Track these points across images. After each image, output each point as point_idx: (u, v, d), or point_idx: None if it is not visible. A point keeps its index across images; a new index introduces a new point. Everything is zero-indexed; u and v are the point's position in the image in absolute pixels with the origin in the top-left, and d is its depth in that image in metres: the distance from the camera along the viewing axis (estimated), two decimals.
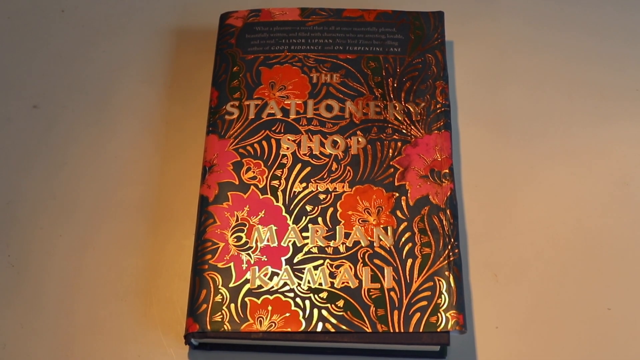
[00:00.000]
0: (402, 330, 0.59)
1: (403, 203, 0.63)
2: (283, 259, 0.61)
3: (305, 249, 0.62)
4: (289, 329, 0.59)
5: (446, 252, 0.61)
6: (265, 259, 0.61)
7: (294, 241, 0.62)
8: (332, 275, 0.61)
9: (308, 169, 0.65)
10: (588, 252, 0.65)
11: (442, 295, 0.60)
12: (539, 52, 0.75)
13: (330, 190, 0.64)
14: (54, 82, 0.74)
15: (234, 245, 0.62)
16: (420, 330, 0.59)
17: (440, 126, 0.67)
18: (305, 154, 0.66)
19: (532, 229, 0.66)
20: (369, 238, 0.62)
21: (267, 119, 0.67)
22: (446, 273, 0.61)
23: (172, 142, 0.70)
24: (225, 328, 0.59)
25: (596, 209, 0.67)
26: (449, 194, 0.64)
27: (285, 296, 0.60)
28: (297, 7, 0.73)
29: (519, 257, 0.65)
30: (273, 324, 0.59)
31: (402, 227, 0.62)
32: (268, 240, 0.62)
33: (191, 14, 0.77)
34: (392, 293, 0.60)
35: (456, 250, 0.61)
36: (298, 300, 0.60)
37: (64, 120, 0.72)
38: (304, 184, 0.64)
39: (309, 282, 0.61)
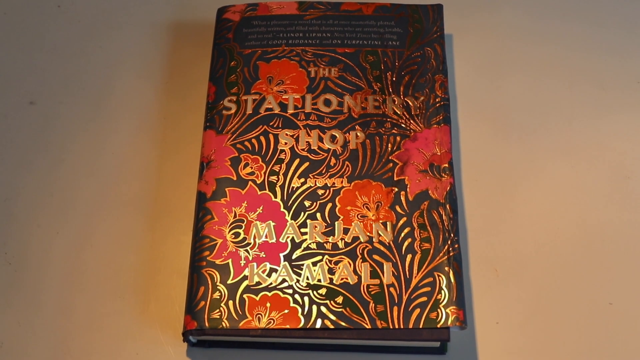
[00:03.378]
0: (401, 327, 0.58)
1: (402, 198, 0.63)
2: (281, 255, 0.61)
3: (304, 245, 0.61)
4: (287, 326, 0.58)
5: (446, 247, 0.61)
6: (264, 256, 0.61)
7: (293, 237, 0.62)
8: (331, 271, 0.60)
9: (306, 164, 0.65)
10: (589, 246, 0.65)
11: (442, 291, 0.59)
12: (539, 44, 0.74)
13: (329, 185, 0.64)
14: (50, 78, 0.73)
15: (232, 242, 0.61)
16: (420, 327, 0.58)
17: (439, 120, 0.66)
18: (303, 149, 0.65)
19: (533, 223, 0.66)
20: (368, 233, 0.62)
21: (264, 114, 0.67)
22: (446, 268, 0.60)
23: (169, 137, 0.70)
24: (224, 325, 0.59)
25: (597, 203, 0.67)
26: (448, 188, 0.63)
27: (284, 293, 0.60)
28: (294, 1, 0.73)
29: (520, 252, 0.65)
30: (272, 321, 0.59)
31: (401, 222, 0.62)
32: (266, 237, 0.62)
33: (188, 8, 0.77)
34: (391, 289, 0.60)
35: (456, 246, 0.61)
36: (297, 296, 0.59)
37: (60, 116, 0.71)
38: (303, 180, 0.64)
39: (307, 279, 0.60)
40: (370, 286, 0.60)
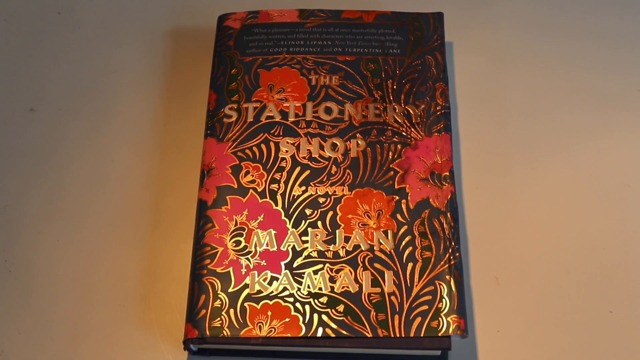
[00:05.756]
0: (402, 335, 0.58)
1: (403, 206, 0.63)
2: (282, 263, 0.61)
3: (305, 253, 0.61)
4: (288, 335, 0.58)
5: (447, 255, 0.61)
6: (265, 264, 0.61)
7: (294, 245, 0.62)
8: (332, 279, 0.60)
9: (307, 172, 0.65)
10: (589, 254, 0.65)
11: (443, 300, 0.59)
12: (539, 53, 0.74)
13: (330, 193, 0.64)
14: (50, 85, 0.73)
15: (233, 250, 0.61)
16: (421, 335, 0.58)
17: (440, 128, 0.66)
18: (304, 157, 0.65)
19: (534, 231, 0.66)
20: (369, 242, 0.62)
21: (265, 121, 0.67)
22: (447, 277, 0.60)
23: (170, 145, 0.70)
24: (225, 333, 0.58)
25: (598, 211, 0.67)
26: (449, 196, 0.63)
27: (285, 301, 0.59)
28: (295, 9, 0.73)
29: (520, 260, 0.65)
30: (273, 329, 0.58)
31: (402, 230, 0.62)
32: (267, 245, 0.62)
33: (188, 15, 0.77)
34: (392, 297, 0.59)
35: (457, 254, 0.61)
36: (298, 305, 0.59)
37: (60, 123, 0.71)
38: (303, 188, 0.64)
39: (308, 287, 0.60)
40: (372, 294, 0.60)
